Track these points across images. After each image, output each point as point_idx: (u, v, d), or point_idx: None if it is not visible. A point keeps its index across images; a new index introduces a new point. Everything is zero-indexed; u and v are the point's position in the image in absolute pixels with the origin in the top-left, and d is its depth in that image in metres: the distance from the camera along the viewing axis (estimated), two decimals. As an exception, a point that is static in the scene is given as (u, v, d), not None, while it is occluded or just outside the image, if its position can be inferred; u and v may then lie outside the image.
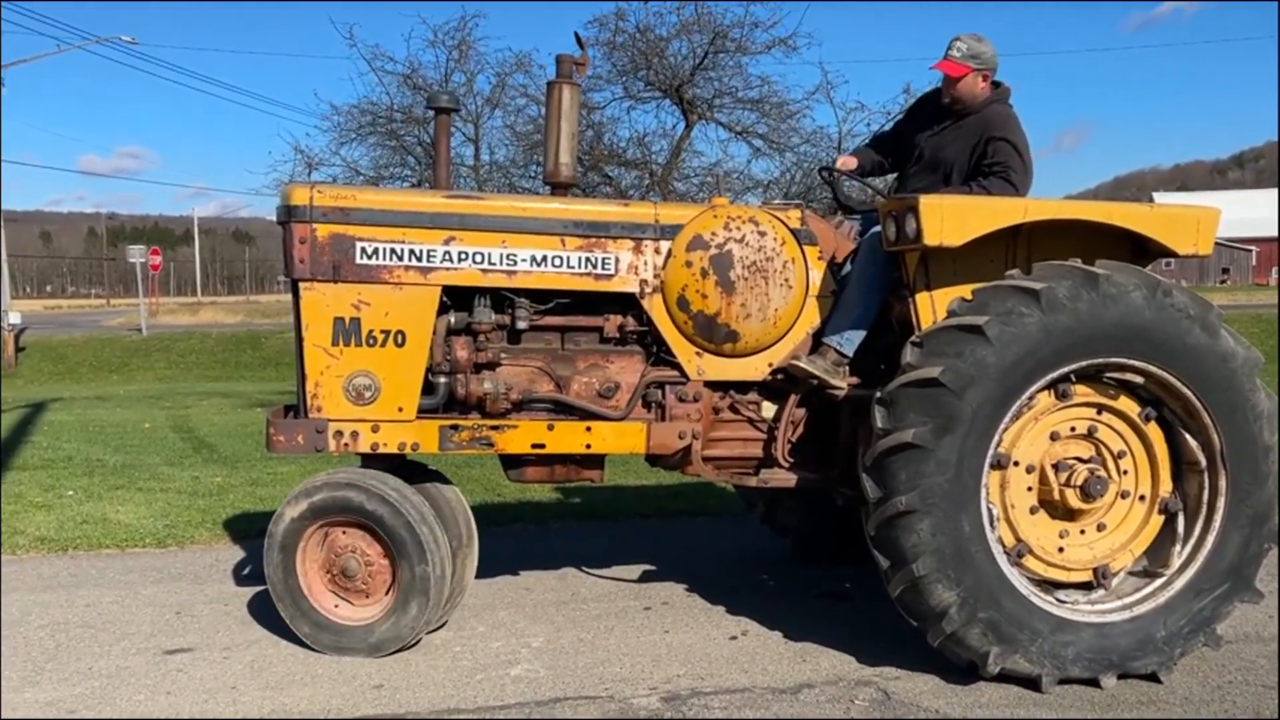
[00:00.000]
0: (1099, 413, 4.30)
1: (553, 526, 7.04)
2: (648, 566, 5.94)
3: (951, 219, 4.14)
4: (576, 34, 4.85)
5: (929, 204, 4.15)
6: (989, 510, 4.08)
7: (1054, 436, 4.28)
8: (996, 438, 4.04)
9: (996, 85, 4.91)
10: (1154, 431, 4.30)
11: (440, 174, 4.86)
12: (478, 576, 5.00)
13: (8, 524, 6.96)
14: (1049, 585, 4.29)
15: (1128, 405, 4.28)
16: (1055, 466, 4.24)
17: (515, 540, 6.57)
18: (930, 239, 4.13)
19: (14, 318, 25.49)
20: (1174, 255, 4.38)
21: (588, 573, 5.81)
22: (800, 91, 14.62)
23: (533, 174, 15.62)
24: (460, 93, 15.62)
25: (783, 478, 4.75)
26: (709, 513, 7.34)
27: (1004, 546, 4.17)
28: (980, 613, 3.98)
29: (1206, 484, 4.23)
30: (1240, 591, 4.23)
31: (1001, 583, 4.04)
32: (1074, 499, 4.21)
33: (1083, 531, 4.32)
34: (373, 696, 4.09)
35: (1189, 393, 4.13)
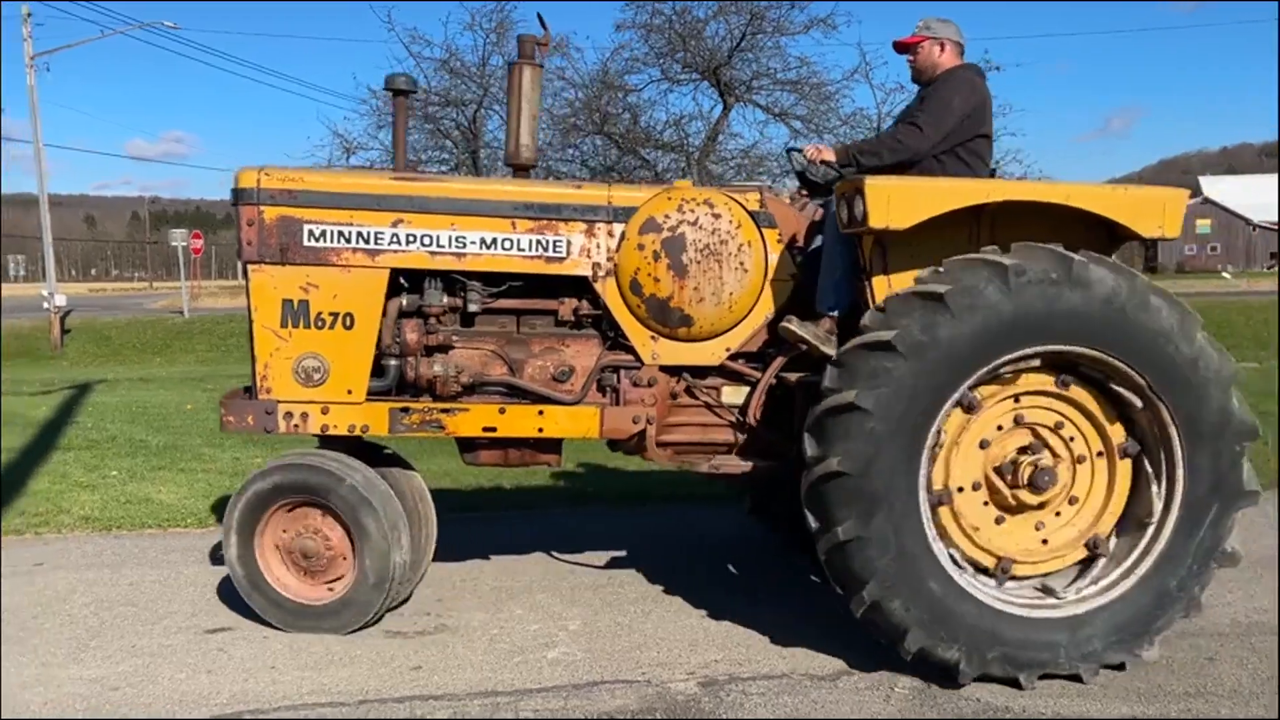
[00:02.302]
0: (1016, 400, 4.13)
1: (589, 510, 7.03)
2: (685, 552, 5.91)
3: (899, 201, 3.98)
4: (539, 15, 4.85)
5: (875, 186, 3.99)
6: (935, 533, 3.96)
7: (984, 444, 4.11)
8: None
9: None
10: (1079, 392, 4.11)
11: (398, 155, 4.87)
12: (517, 558, 5.00)
13: (53, 503, 7.07)
14: (1047, 586, 4.14)
15: (1041, 381, 4.10)
16: (998, 471, 4.10)
17: (551, 523, 6.57)
18: (876, 222, 3.98)
19: (59, 300, 25.86)
20: (1139, 238, 4.20)
21: (623, 557, 5.79)
22: (839, 73, 14.49)
23: (569, 157, 15.63)
24: (497, 76, 15.64)
25: (734, 464, 4.66)
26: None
27: (983, 568, 4.10)
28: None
29: (1154, 419, 4.03)
30: (1236, 500, 4.02)
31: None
32: (1029, 497, 4.08)
33: (1057, 514, 4.18)
34: (410, 678, 4.10)
35: (1111, 359, 3.93)
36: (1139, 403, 4.01)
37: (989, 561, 4.11)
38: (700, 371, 4.75)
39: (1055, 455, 4.14)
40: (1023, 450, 4.11)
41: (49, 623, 4.77)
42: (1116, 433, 4.15)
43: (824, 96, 14.46)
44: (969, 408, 4.03)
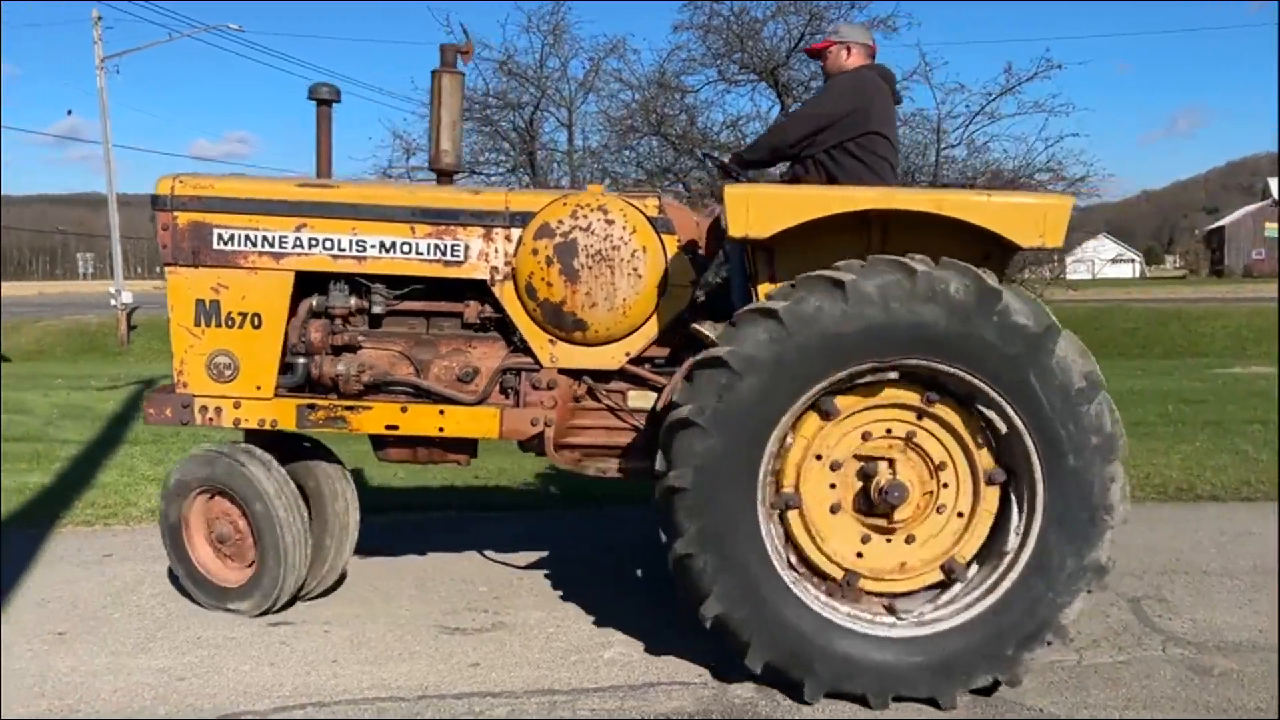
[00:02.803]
0: (879, 412, 3.98)
1: (645, 508, 7.02)
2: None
3: (757, 210, 3.90)
4: (463, 25, 4.98)
5: (732, 195, 3.94)
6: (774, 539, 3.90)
7: (835, 463, 4.00)
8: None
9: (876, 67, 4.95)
10: (945, 410, 3.94)
11: (320, 164, 4.97)
12: (573, 556, 5.01)
13: (121, 495, 7.24)
14: (892, 606, 4.00)
15: (906, 395, 3.95)
16: (857, 481, 4.00)
17: (607, 522, 6.58)
18: (734, 231, 3.92)
19: (127, 297, 26.50)
20: (1018, 248, 3.97)
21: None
22: (898, 73, 14.30)
23: (625, 159, 15.65)
24: (554, 78, 15.74)
25: (617, 467, 4.67)
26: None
27: (832, 579, 3.99)
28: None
29: (1017, 439, 3.82)
30: (1103, 521, 3.75)
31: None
32: (879, 512, 3.95)
33: (913, 535, 4.01)
34: (469, 674, 4.13)
35: (962, 373, 3.76)
36: (1003, 425, 3.84)
37: (837, 573, 4.00)
38: (603, 375, 4.75)
39: (911, 473, 3.98)
40: (868, 460, 3.99)
41: (118, 613, 4.89)
42: (984, 458, 3.97)
43: (882, 97, 14.31)
44: (826, 414, 3.94)
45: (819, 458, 3.98)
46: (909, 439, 3.99)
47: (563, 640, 4.50)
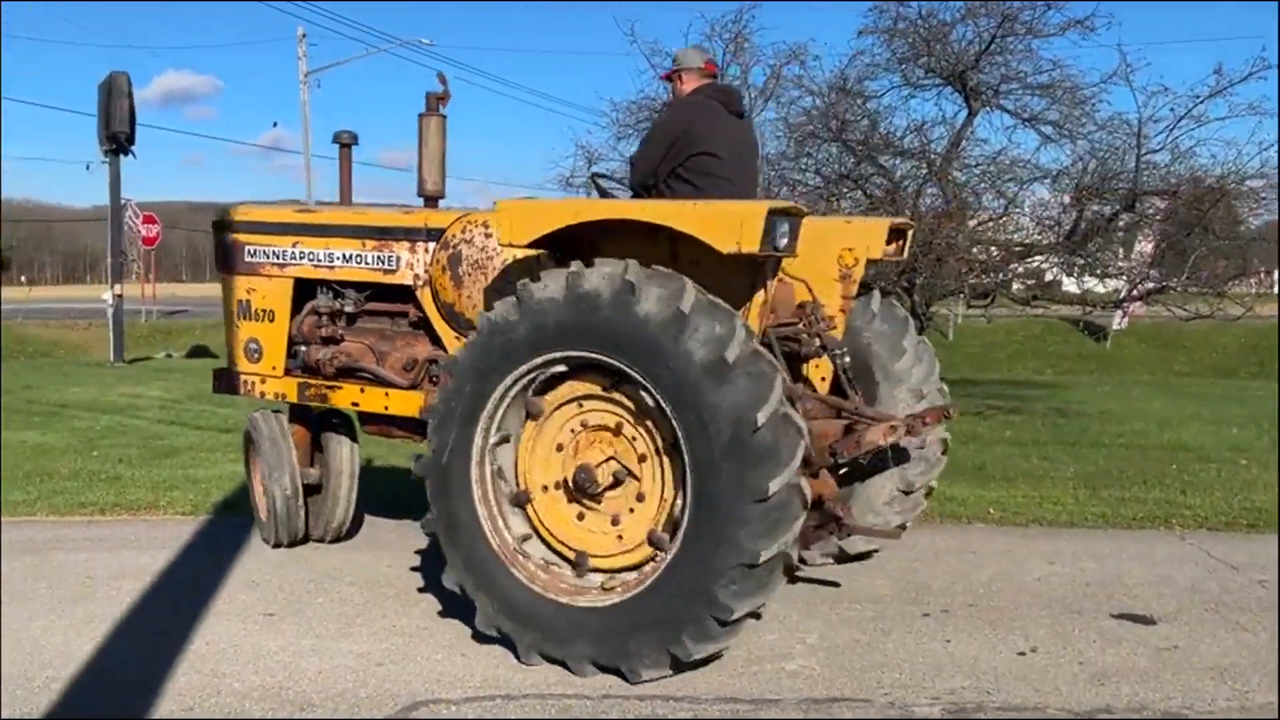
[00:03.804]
0: (580, 405, 4.35)
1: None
2: (922, 570, 5.74)
3: (518, 221, 4.37)
4: (440, 75, 5.63)
5: (502, 207, 4.47)
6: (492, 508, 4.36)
7: (559, 448, 4.40)
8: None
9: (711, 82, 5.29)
10: (628, 395, 4.21)
11: (343, 194, 6.03)
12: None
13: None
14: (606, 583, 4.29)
15: (592, 387, 4.30)
16: (574, 472, 4.31)
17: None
18: (503, 239, 4.46)
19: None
20: (720, 253, 4.08)
21: (859, 571, 5.68)
22: (1096, 75, 13.56)
23: (803, 166, 15.47)
24: (735, 84, 15.71)
25: None
26: (987, 521, 7.01)
27: (562, 559, 4.39)
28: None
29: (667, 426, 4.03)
30: (754, 508, 3.79)
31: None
32: (595, 494, 4.29)
33: (631, 510, 4.29)
34: (651, 677, 4.17)
35: (615, 363, 4.04)
36: (652, 403, 4.03)
37: (570, 555, 4.37)
38: None
39: (599, 455, 4.31)
40: (573, 450, 4.38)
41: (321, 598, 5.18)
42: (660, 438, 4.16)
43: (1078, 101, 13.63)
44: (534, 415, 4.38)
45: (538, 452, 4.45)
46: (618, 430, 4.29)
47: (743, 650, 4.48)
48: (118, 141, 18.90)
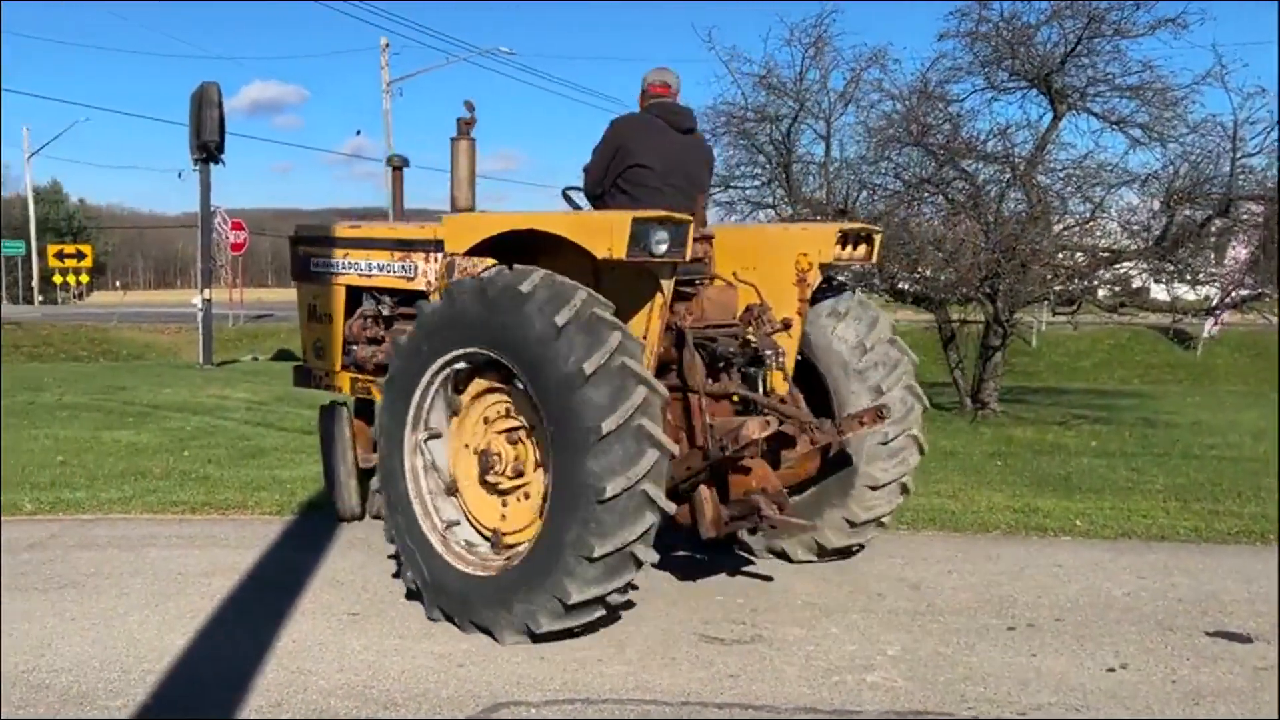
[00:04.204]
0: (486, 398, 4.93)
1: (899, 533, 6.83)
2: (1007, 582, 5.63)
3: (455, 233, 5.26)
4: (467, 102, 5.79)
5: (447, 219, 5.35)
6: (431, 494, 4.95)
7: (468, 450, 4.97)
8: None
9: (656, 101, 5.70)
10: (516, 386, 4.69)
11: (395, 210, 6.78)
12: (832, 577, 4.94)
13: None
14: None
15: (487, 382, 4.90)
16: (481, 459, 4.87)
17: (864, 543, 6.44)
18: (448, 248, 5.25)
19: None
20: (596, 258, 4.67)
21: (938, 584, 5.59)
22: (1188, 76, 13.20)
23: (883, 170, 15.30)
24: (814, 90, 15.62)
25: None
26: (1074, 533, 6.85)
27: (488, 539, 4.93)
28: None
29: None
30: (595, 503, 4.22)
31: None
32: (498, 478, 4.83)
33: (527, 495, 4.84)
34: (729, 684, 4.16)
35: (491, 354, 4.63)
36: (522, 384, 4.54)
37: (489, 533, 4.93)
38: None
39: (503, 443, 4.83)
40: (482, 439, 4.93)
41: (403, 599, 5.23)
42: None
43: (1169, 102, 13.25)
44: (455, 412, 5.00)
45: (466, 446, 5.00)
46: (513, 420, 4.84)
47: (822, 660, 4.45)
48: (208, 150, 19.46)
